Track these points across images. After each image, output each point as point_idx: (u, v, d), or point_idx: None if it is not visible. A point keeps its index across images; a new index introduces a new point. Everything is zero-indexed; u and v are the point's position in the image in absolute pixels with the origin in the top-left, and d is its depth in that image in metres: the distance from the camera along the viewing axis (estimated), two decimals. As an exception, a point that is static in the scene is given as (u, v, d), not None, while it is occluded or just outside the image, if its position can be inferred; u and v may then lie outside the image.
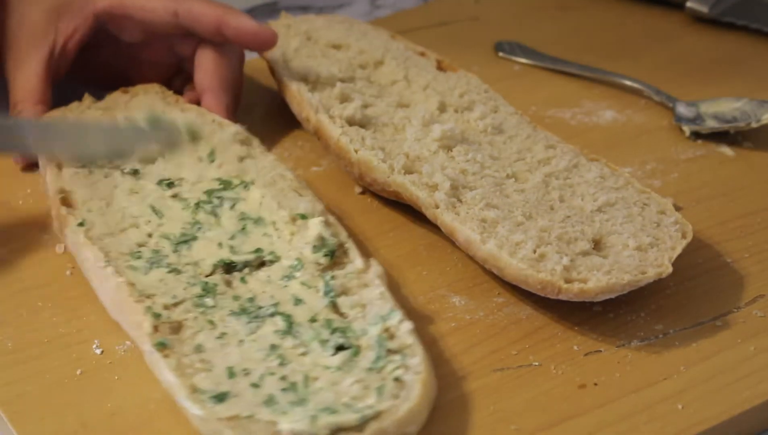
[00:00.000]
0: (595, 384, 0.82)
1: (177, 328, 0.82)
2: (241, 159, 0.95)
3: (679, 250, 0.87)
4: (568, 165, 0.95)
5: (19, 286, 0.90)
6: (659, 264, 0.86)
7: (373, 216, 0.97)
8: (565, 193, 0.93)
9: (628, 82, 1.11)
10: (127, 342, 0.86)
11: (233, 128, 0.97)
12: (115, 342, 0.86)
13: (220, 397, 0.77)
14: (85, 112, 1.01)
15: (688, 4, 1.21)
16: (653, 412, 0.80)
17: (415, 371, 0.78)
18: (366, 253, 0.92)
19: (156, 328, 0.81)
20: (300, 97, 1.01)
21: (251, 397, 0.77)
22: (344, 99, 1.01)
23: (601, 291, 0.84)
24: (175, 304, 0.84)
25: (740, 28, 1.20)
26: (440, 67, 1.07)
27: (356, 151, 0.95)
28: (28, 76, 1.02)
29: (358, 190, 1.00)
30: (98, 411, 0.81)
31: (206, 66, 1.03)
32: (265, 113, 1.09)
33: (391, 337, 0.81)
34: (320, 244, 0.87)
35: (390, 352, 0.80)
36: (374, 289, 0.84)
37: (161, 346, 0.80)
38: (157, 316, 0.82)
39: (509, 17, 1.24)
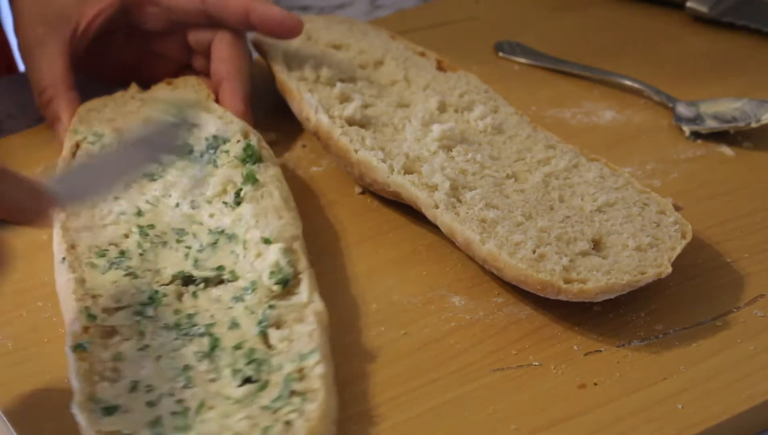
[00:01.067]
0: (595, 384, 0.82)
1: (108, 333, 0.81)
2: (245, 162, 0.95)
3: (678, 251, 0.87)
4: (568, 165, 0.95)
5: (19, 286, 0.90)
6: (659, 264, 0.86)
7: (373, 216, 0.97)
8: (565, 193, 0.93)
9: (628, 82, 1.11)
10: (127, 342, 0.86)
11: (238, 125, 0.97)
12: (115, 342, 0.86)
13: (110, 410, 0.76)
14: (128, 102, 1.01)
15: (688, 4, 1.21)
16: (653, 412, 0.80)
17: (306, 418, 0.75)
18: (365, 255, 0.92)
19: (86, 330, 0.80)
20: (300, 97, 1.01)
21: (140, 416, 0.76)
22: (344, 99, 1.01)
23: (601, 291, 0.84)
24: (117, 309, 0.83)
25: (740, 28, 1.19)
26: (440, 67, 1.07)
27: (356, 151, 0.95)
28: (53, 60, 1.00)
29: (358, 190, 1.00)
30: (98, 411, 0.81)
31: (223, 55, 1.02)
32: (266, 113, 1.09)
33: (302, 378, 0.78)
34: (276, 270, 0.84)
35: (293, 393, 0.77)
36: (306, 325, 0.81)
37: (79, 349, 0.79)
38: (92, 317, 0.81)
39: (509, 17, 1.24)
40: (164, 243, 0.89)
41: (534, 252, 0.86)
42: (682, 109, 1.07)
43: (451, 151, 0.96)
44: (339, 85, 1.02)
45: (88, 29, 1.01)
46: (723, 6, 1.20)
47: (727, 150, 1.04)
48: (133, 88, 1.03)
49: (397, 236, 0.95)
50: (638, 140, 1.05)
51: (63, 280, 0.85)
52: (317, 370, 0.78)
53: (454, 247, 0.92)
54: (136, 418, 0.75)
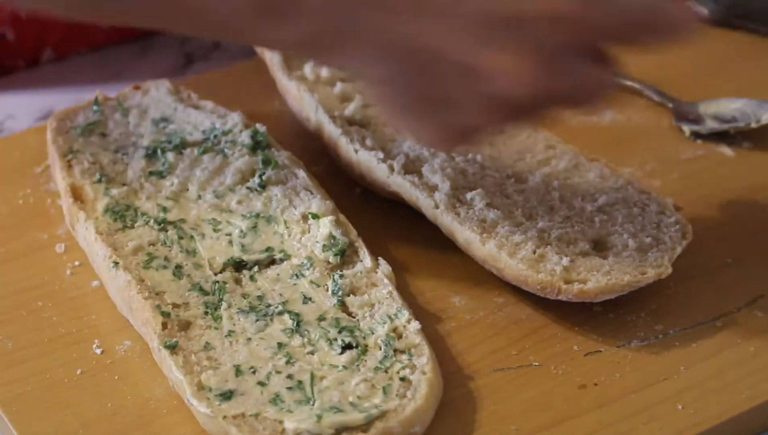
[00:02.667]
0: (595, 384, 0.82)
1: (185, 325, 0.82)
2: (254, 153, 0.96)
3: (679, 251, 0.87)
4: (568, 165, 0.95)
5: (19, 286, 0.90)
6: (659, 264, 0.86)
7: (374, 216, 0.97)
8: (566, 194, 0.93)
9: (628, 82, 1.11)
10: (127, 342, 0.86)
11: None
12: (115, 342, 0.86)
13: (227, 395, 0.77)
14: (105, 111, 1.00)
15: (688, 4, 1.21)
16: (653, 412, 0.80)
17: (421, 371, 0.79)
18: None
19: (165, 326, 0.82)
20: (300, 97, 1.01)
21: (257, 396, 0.77)
22: (345, 99, 1.01)
23: (601, 291, 0.84)
24: (184, 303, 0.84)
25: (740, 28, 1.19)
26: None
27: (356, 152, 0.95)
28: None
29: (358, 190, 1.00)
30: (98, 411, 0.81)
31: None
32: (266, 113, 1.09)
33: (399, 336, 0.81)
34: (330, 243, 0.87)
35: (397, 351, 0.80)
36: (382, 288, 0.85)
37: (169, 346, 0.80)
38: (165, 314, 0.82)
39: (509, 17, 1.24)
40: (202, 235, 0.89)
41: (534, 252, 0.86)
42: (683, 109, 1.07)
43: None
44: (339, 84, 1.02)
45: None
46: (723, 6, 1.20)
47: (727, 150, 1.04)
48: (100, 95, 1.02)
49: (397, 237, 0.95)
50: (638, 140, 1.05)
51: (121, 282, 0.85)
52: (411, 326, 0.82)
53: (454, 248, 0.92)
54: (255, 399, 0.77)
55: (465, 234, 0.88)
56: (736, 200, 0.98)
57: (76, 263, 0.92)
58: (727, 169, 1.02)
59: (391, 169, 0.93)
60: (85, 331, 0.87)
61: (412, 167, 0.94)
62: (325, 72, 1.04)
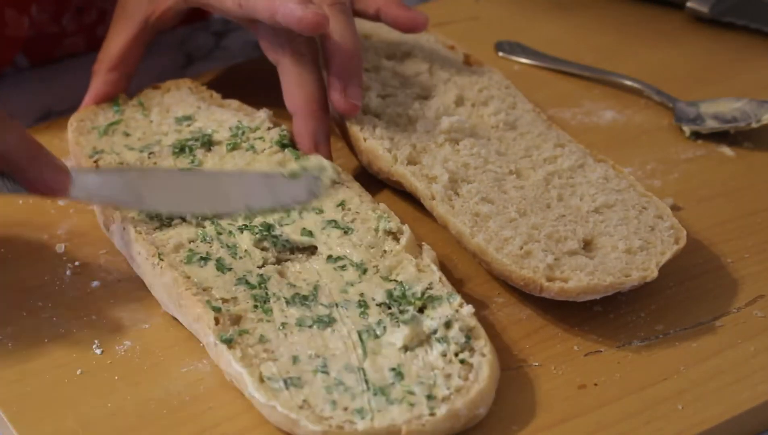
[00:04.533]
0: (595, 384, 0.82)
1: (237, 319, 0.83)
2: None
3: (669, 256, 0.87)
4: (573, 164, 0.95)
5: (19, 286, 0.90)
6: (645, 268, 0.86)
7: (373, 216, 0.97)
8: (565, 193, 0.93)
9: (628, 82, 1.11)
10: (127, 342, 0.86)
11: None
12: (115, 342, 0.86)
13: (289, 385, 0.78)
14: (125, 111, 1.01)
15: (688, 4, 1.21)
16: (653, 412, 0.80)
17: (480, 353, 0.80)
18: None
19: (217, 321, 0.82)
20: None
21: (319, 384, 0.78)
22: (365, 88, 1.02)
23: (582, 291, 0.84)
24: (232, 298, 0.84)
25: (740, 28, 1.19)
26: (467, 62, 1.08)
27: (365, 140, 0.96)
28: (114, 43, 1.03)
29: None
30: (98, 411, 0.81)
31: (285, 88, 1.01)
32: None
33: (455, 320, 0.82)
34: (376, 230, 0.88)
35: (455, 334, 0.81)
36: (430, 274, 0.85)
37: (226, 339, 0.81)
38: (217, 309, 0.82)
39: (509, 17, 1.24)
40: (240, 229, 0.89)
41: (521, 248, 0.86)
42: (683, 109, 1.07)
43: (458, 144, 0.96)
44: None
45: (159, 18, 1.04)
46: (723, 6, 1.20)
47: (727, 150, 1.04)
48: (122, 97, 1.03)
49: (397, 236, 0.95)
50: (638, 140, 1.05)
51: (168, 280, 0.85)
52: (465, 310, 0.82)
53: (454, 248, 0.92)
54: (317, 387, 0.78)
55: (457, 226, 0.89)
56: (736, 200, 0.98)
57: (76, 263, 0.92)
58: (727, 169, 1.02)
59: (395, 159, 0.94)
60: (85, 331, 0.87)
61: (417, 158, 0.95)
62: None
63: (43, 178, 0.86)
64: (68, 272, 0.91)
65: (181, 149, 0.96)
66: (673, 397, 0.81)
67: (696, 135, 1.05)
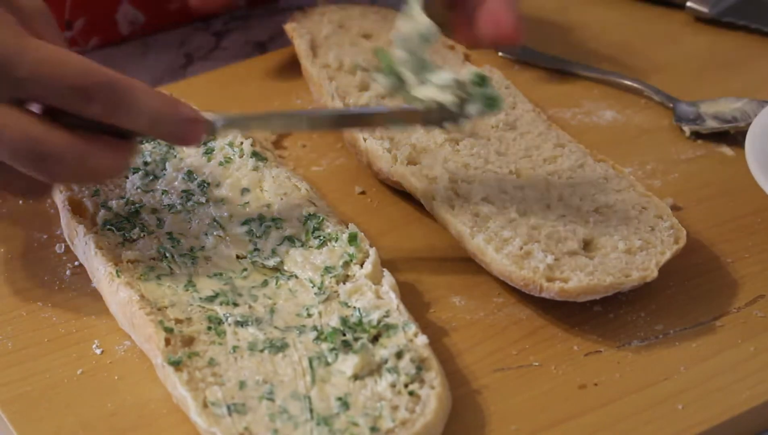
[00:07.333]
0: (595, 384, 0.82)
1: (189, 341, 0.81)
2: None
3: (668, 256, 0.87)
4: (573, 165, 0.95)
5: (19, 286, 0.90)
6: (645, 268, 0.86)
7: (373, 216, 0.97)
8: (565, 193, 0.93)
9: (628, 82, 1.11)
10: (127, 342, 0.86)
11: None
12: (115, 342, 0.86)
13: (232, 411, 0.76)
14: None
15: (688, 4, 1.21)
16: (653, 412, 0.80)
17: (430, 385, 0.78)
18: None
19: (168, 342, 0.80)
20: (320, 84, 1.02)
21: (263, 412, 0.77)
22: (363, 88, 1.02)
23: (582, 291, 0.84)
24: (187, 318, 0.83)
25: (740, 28, 1.19)
26: (467, 61, 1.08)
27: (365, 140, 0.96)
28: None
29: (358, 189, 1.00)
30: (98, 411, 0.81)
31: None
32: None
33: (407, 350, 0.80)
34: (335, 256, 0.87)
35: (405, 365, 0.79)
36: (388, 300, 0.84)
37: (174, 363, 0.79)
38: (168, 329, 0.81)
39: (509, 17, 1.24)
40: (202, 247, 0.88)
41: (521, 249, 0.86)
42: (683, 109, 1.07)
43: (458, 144, 0.96)
44: (360, 73, 1.03)
45: None
46: (723, 6, 1.20)
47: (727, 150, 1.04)
48: None
49: (396, 237, 0.95)
50: (638, 140, 1.05)
51: (122, 298, 0.84)
52: (420, 339, 0.81)
53: (454, 248, 0.92)
54: (261, 415, 0.76)
55: (457, 227, 0.89)
56: (736, 200, 0.98)
57: (76, 263, 0.92)
58: (727, 169, 1.02)
59: (395, 159, 0.94)
60: (85, 331, 0.87)
61: (417, 158, 0.95)
62: (348, 60, 1.05)
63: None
64: (68, 272, 0.91)
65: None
66: (673, 397, 0.81)
67: (696, 135, 1.05)
